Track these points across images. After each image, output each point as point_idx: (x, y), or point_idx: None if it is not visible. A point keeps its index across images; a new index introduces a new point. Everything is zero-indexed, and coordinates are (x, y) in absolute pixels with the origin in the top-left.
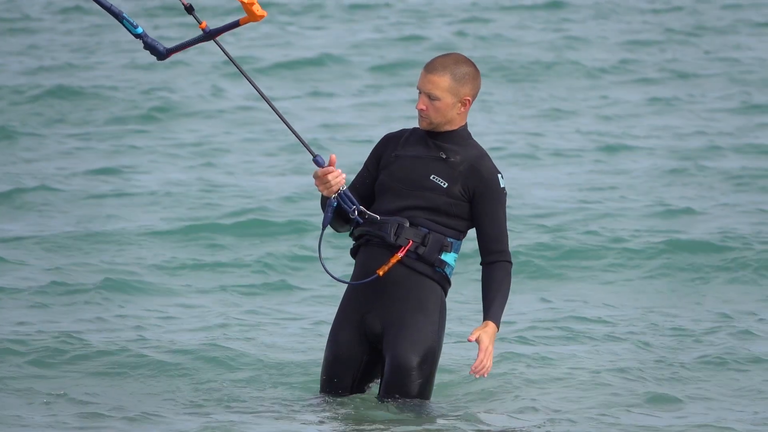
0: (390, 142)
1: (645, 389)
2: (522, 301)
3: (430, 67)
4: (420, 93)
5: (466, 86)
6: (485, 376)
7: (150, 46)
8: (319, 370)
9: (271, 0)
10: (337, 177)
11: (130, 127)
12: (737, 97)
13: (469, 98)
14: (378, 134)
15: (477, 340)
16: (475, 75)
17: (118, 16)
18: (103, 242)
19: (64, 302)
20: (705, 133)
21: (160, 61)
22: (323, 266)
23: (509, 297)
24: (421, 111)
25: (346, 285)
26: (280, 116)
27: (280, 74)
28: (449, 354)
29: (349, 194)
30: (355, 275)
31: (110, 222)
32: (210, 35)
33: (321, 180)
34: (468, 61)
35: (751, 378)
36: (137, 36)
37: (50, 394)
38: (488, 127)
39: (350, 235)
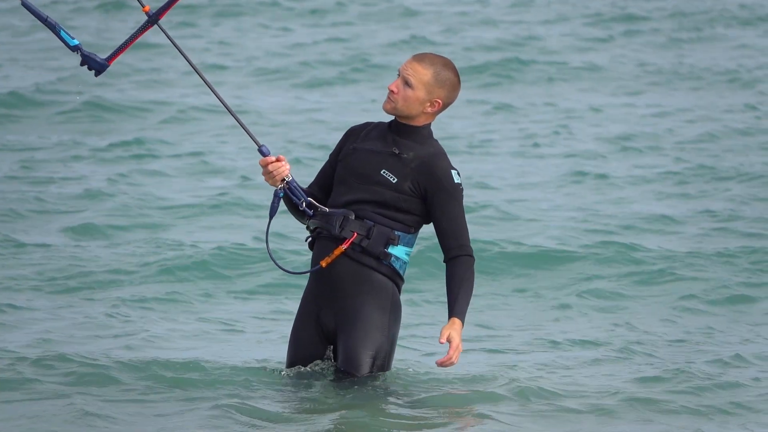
0: (351, 135)
1: (624, 398)
2: (510, 301)
3: (419, 57)
4: (399, 75)
5: (442, 89)
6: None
7: (88, 59)
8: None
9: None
10: (279, 167)
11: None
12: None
13: (440, 101)
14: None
15: (448, 340)
16: (455, 85)
17: (54, 27)
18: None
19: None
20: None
21: (97, 77)
22: (271, 257)
23: (475, 291)
24: (390, 92)
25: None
26: (225, 105)
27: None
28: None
29: (297, 186)
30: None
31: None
32: (152, 19)
33: (265, 170)
34: (455, 71)
35: (739, 394)
36: (73, 49)
37: (40, 407)
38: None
39: (306, 228)
